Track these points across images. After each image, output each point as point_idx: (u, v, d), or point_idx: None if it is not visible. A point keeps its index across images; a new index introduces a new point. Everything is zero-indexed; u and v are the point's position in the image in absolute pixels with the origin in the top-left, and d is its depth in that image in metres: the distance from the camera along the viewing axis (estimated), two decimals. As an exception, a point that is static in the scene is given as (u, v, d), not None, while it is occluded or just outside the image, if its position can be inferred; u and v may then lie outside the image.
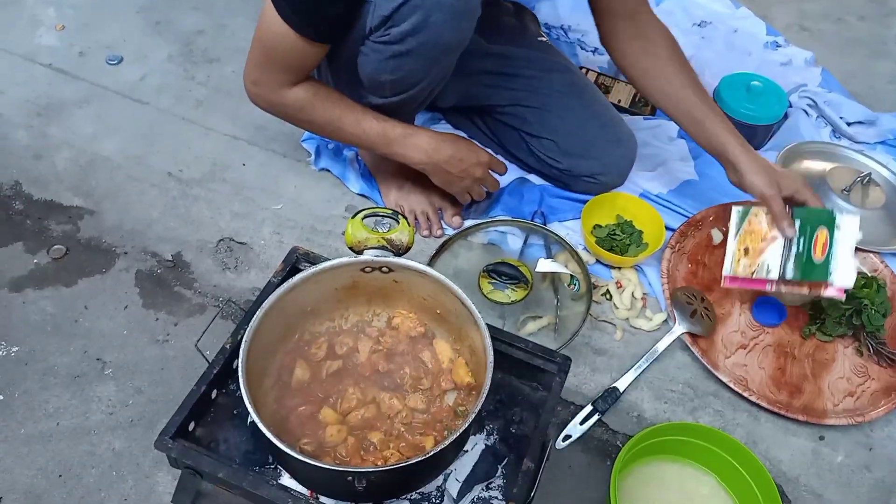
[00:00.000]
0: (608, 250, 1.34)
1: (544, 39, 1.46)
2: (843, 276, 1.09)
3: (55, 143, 1.46)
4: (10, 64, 1.58)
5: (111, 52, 1.62)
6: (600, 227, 1.39)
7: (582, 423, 1.18)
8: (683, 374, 1.24)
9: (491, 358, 0.87)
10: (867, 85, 1.83)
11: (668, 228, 1.38)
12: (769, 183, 1.15)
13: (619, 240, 1.36)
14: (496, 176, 1.32)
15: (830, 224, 1.11)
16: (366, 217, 0.95)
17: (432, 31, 1.02)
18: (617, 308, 1.30)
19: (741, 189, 1.21)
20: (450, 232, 1.37)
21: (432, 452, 0.80)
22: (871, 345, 1.27)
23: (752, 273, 1.15)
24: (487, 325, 0.93)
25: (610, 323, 1.28)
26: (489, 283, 1.26)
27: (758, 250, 1.15)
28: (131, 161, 1.45)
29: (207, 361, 0.95)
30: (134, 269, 1.32)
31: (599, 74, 1.68)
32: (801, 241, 1.13)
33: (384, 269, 0.95)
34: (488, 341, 0.88)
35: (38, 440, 1.11)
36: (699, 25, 1.85)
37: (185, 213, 1.38)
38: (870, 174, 1.47)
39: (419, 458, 0.80)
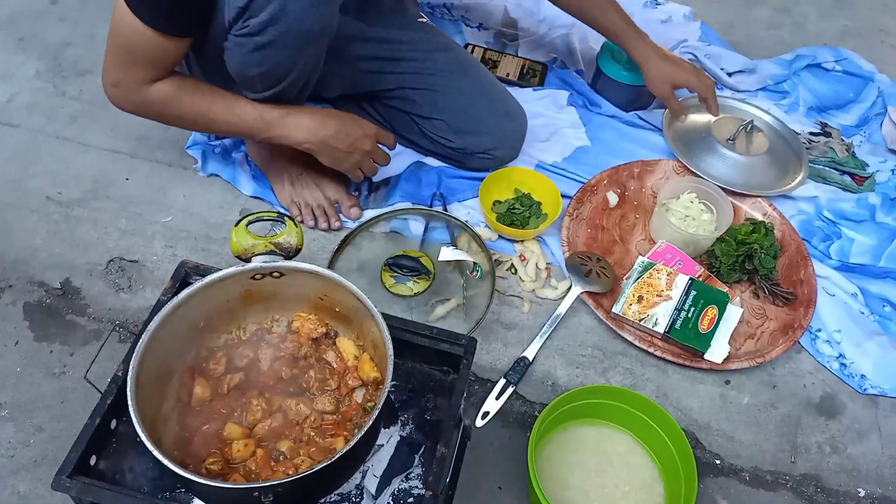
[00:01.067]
0: (509, 225, 1.35)
1: (425, 21, 1.44)
2: (716, 353, 1.22)
3: (-81, 178, 1.37)
4: None
5: (-29, 75, 1.53)
6: (500, 202, 1.39)
7: (498, 397, 1.19)
8: (591, 337, 1.27)
9: (390, 350, 0.86)
10: (745, 33, 1.89)
11: (564, 196, 1.40)
12: (661, 81, 1.45)
13: (519, 213, 1.37)
14: (385, 149, 1.30)
15: (721, 305, 1.23)
16: (250, 223, 0.92)
17: (291, 18, 1.00)
18: (523, 280, 1.32)
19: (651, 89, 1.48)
20: (349, 224, 1.35)
21: (336, 456, 0.79)
22: (766, 287, 1.33)
23: (640, 320, 1.23)
24: (388, 315, 0.92)
25: (517, 297, 1.30)
26: (391, 276, 1.26)
27: (651, 302, 1.24)
28: (6, 187, 1.37)
29: (100, 392, 0.91)
30: (21, 301, 1.26)
31: (486, 49, 1.68)
32: (693, 309, 1.23)
33: (275, 274, 0.93)
34: (386, 333, 0.87)
35: (-65, 494, 1.05)
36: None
37: (69, 236, 1.32)
38: (752, 121, 1.52)
39: (323, 464, 0.79)
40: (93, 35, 1.62)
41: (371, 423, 0.82)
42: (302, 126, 1.17)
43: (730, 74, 1.71)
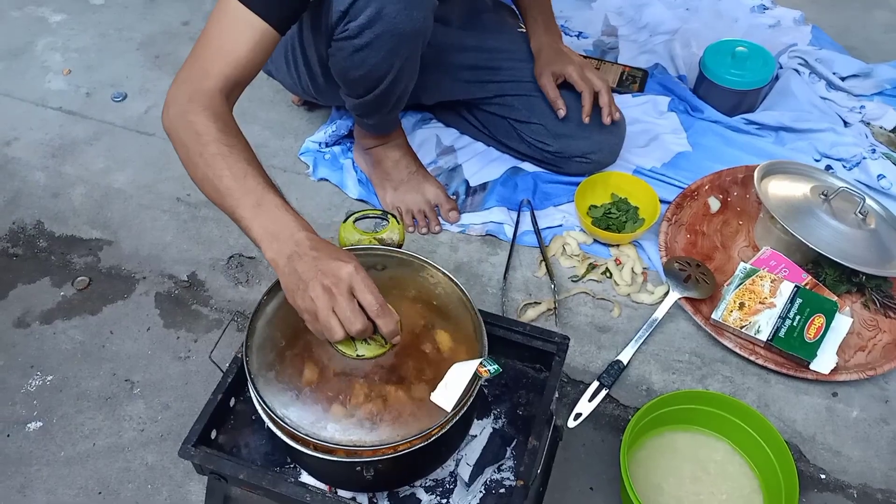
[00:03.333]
0: (605, 229, 1.37)
1: (524, 30, 1.48)
2: (823, 363, 1.19)
3: (71, 181, 1.53)
4: (24, 110, 1.67)
5: (115, 90, 1.69)
6: (596, 207, 1.41)
7: (591, 399, 1.21)
8: (689, 343, 1.26)
9: (485, 342, 0.90)
10: (863, 37, 1.82)
11: (663, 202, 1.40)
12: (542, 72, 1.38)
13: (615, 217, 1.38)
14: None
15: (829, 314, 1.20)
16: (357, 220, 0.99)
17: (387, 21, 1.07)
18: (617, 285, 1.32)
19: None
20: (448, 227, 1.41)
21: (434, 438, 0.84)
22: (877, 298, 1.28)
23: (742, 327, 1.21)
24: (484, 312, 0.96)
25: (609, 300, 1.31)
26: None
27: (753, 309, 1.22)
28: (142, 190, 1.51)
29: (222, 371, 1.00)
30: (153, 292, 1.39)
31: (586, 57, 1.70)
32: (798, 318, 1.20)
33: (379, 266, 0.99)
34: (482, 326, 0.91)
35: (76, 461, 1.18)
36: (683, -1, 1.86)
37: (196, 234, 1.44)
38: (864, 199, 1.31)
39: (422, 444, 0.84)
40: (220, 52, 1.76)
41: (463, 409, 0.87)
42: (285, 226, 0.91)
43: (843, 79, 1.65)
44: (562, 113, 1.37)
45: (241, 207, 0.90)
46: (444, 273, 0.97)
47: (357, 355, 0.89)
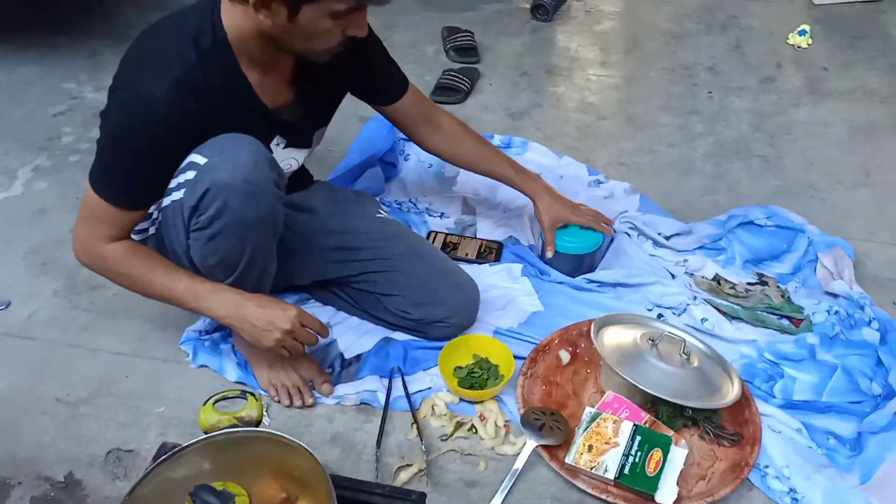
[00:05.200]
0: (469, 388, 1.49)
1: (382, 215, 1.68)
2: (666, 495, 1.30)
3: (-54, 392, 1.55)
4: None
5: (-1, 299, 1.76)
6: (461, 367, 1.54)
7: (464, 555, 1.26)
8: (549, 488, 1.36)
9: (334, 505, 0.98)
10: (682, 200, 2.11)
11: (518, 357, 1.54)
12: (547, 217, 1.69)
13: (478, 376, 1.51)
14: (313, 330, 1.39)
15: (665, 448, 1.33)
16: (217, 402, 1.07)
17: (232, 212, 1.23)
18: (482, 439, 1.42)
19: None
20: (322, 400, 1.49)
21: None
22: (710, 430, 1.42)
23: (592, 468, 1.33)
24: (342, 477, 1.05)
25: (475, 455, 1.40)
26: None
27: (600, 450, 1.34)
28: (21, 394, 1.54)
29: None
30: (28, 496, 1.38)
31: (448, 234, 1.91)
32: (639, 454, 1.33)
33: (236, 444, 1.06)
34: (332, 493, 0.99)
35: None
36: (530, 178, 2.13)
37: (74, 433, 1.47)
38: (684, 341, 1.50)
39: None
40: (105, 254, 1.86)
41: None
42: (225, 302, 1.32)
43: (668, 237, 1.90)
44: (549, 254, 1.72)
45: (187, 302, 1.34)
46: (301, 445, 1.05)
47: None
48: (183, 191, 1.26)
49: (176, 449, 1.05)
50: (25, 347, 1.65)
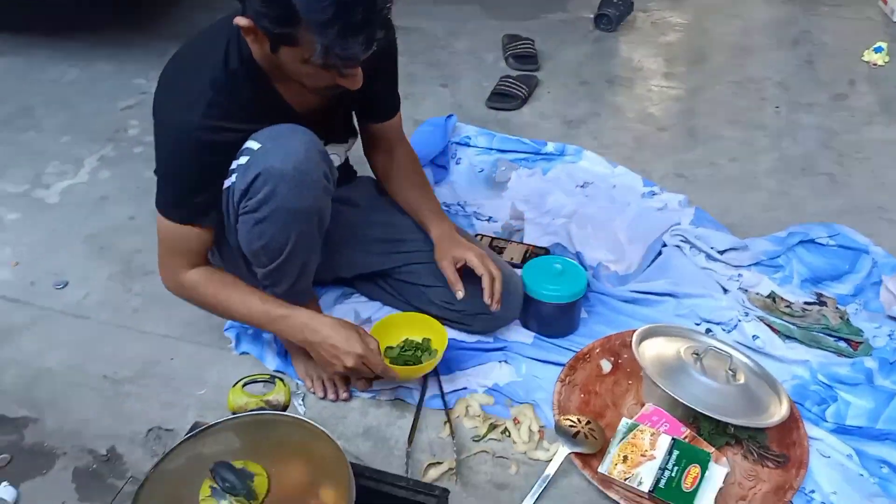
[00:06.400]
0: (402, 364, 1.47)
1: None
2: None
3: (3, 364, 1.62)
4: (-32, 300, 1.78)
5: (57, 279, 1.83)
6: (391, 347, 1.52)
7: (488, 559, 1.24)
8: (581, 497, 1.32)
9: (353, 495, 0.97)
10: (741, 215, 2.04)
11: (555, 364, 1.52)
12: (443, 257, 1.50)
13: (411, 354, 1.50)
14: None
15: (704, 464, 1.29)
16: (246, 384, 1.08)
17: (280, 199, 1.26)
18: (515, 443, 1.40)
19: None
20: (358, 394, 1.50)
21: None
22: (754, 450, 1.36)
23: (626, 479, 1.29)
24: (365, 467, 1.04)
25: (507, 458, 1.38)
26: (210, 486, 1.03)
27: (636, 462, 1.30)
28: (72, 370, 1.60)
29: (111, 537, 1.04)
30: (72, 466, 1.43)
31: (493, 238, 1.89)
32: (676, 468, 1.29)
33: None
34: (352, 481, 0.99)
35: None
36: (582, 186, 2.10)
37: (118, 409, 1.51)
38: (731, 356, 1.44)
39: None
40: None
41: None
42: (297, 327, 1.35)
43: (721, 252, 1.84)
44: (460, 295, 1.47)
45: (262, 325, 1.40)
46: (324, 432, 1.05)
47: None
48: (235, 175, 1.30)
49: (202, 427, 1.07)
50: (78, 326, 1.71)
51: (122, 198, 2.12)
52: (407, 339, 1.54)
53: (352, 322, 1.43)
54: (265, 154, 1.26)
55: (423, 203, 1.60)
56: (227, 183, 1.32)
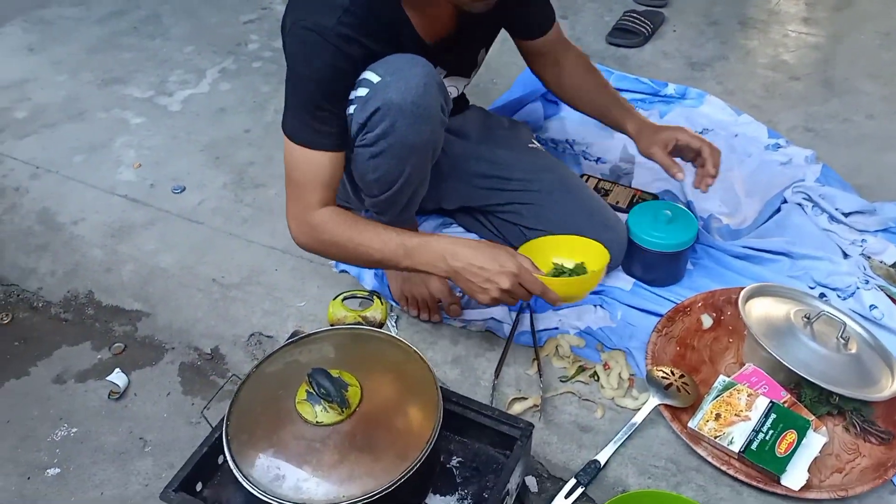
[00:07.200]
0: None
1: (535, 146, 1.64)
2: (793, 479, 1.21)
3: (123, 259, 1.73)
4: (94, 196, 1.90)
5: (176, 184, 1.92)
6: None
7: (567, 496, 1.24)
8: (667, 449, 1.30)
9: (440, 413, 0.98)
10: (874, 176, 1.89)
11: (654, 314, 1.47)
12: (651, 144, 1.47)
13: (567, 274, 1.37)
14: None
15: (802, 431, 1.23)
16: (345, 299, 1.11)
17: (398, 133, 1.23)
18: (603, 388, 1.38)
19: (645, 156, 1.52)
20: (449, 321, 1.51)
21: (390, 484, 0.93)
22: (857, 422, 1.29)
23: (716, 437, 1.25)
24: (454, 393, 1.06)
25: (594, 402, 1.37)
26: (306, 390, 1.04)
27: (728, 421, 1.26)
28: (184, 271, 1.69)
29: (211, 426, 1.11)
30: (178, 361, 1.53)
31: (600, 180, 1.84)
32: (771, 432, 1.24)
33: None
34: (440, 403, 1.00)
35: (83, 507, 1.29)
36: (701, 132, 1.99)
37: (224, 312, 1.59)
38: (845, 325, 1.34)
39: (383, 489, 0.93)
40: (271, 158, 1.98)
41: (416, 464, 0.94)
42: (436, 255, 1.23)
43: (846, 214, 1.71)
44: (680, 177, 1.47)
45: (400, 261, 1.26)
46: (417, 352, 1.07)
47: (316, 422, 0.99)
48: (354, 106, 1.25)
49: (303, 335, 1.11)
50: (192, 230, 1.79)
51: (240, 110, 2.18)
52: (557, 264, 1.39)
53: (494, 242, 1.38)
54: (385, 87, 1.22)
55: (605, 104, 1.58)
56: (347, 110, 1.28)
